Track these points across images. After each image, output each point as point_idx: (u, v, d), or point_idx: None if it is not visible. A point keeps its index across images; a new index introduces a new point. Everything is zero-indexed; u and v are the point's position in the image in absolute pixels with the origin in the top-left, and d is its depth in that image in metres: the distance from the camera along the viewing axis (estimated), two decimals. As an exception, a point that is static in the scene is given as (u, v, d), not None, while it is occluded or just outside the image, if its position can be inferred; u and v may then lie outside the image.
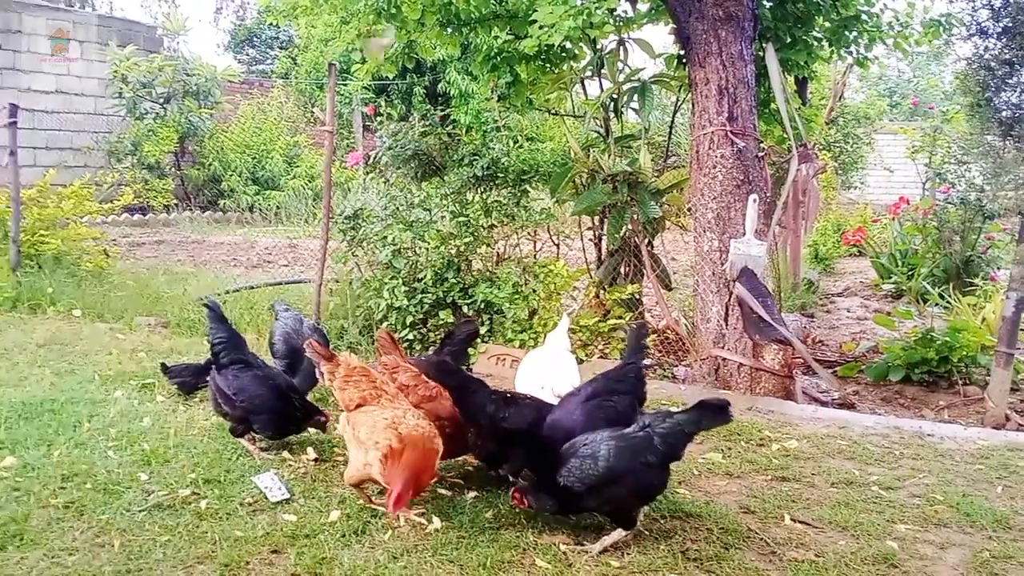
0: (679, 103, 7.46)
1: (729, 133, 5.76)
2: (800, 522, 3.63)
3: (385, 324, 6.45)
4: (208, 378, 4.59)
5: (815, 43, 6.94)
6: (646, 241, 6.76)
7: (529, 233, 7.13)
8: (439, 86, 20.53)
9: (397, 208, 6.88)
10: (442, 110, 19.19)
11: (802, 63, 6.90)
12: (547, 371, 4.45)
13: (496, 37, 7.25)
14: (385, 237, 6.60)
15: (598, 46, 6.99)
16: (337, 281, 7.26)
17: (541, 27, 5.45)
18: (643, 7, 7.01)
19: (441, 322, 6.41)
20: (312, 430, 4.43)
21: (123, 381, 5.47)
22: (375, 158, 7.51)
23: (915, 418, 5.53)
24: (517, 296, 6.43)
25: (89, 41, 17.99)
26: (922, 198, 12.38)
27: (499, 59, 7.23)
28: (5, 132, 9.06)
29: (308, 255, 12.31)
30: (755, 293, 5.40)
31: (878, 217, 13.90)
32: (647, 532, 3.48)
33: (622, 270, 6.96)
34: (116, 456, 4.15)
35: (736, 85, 5.80)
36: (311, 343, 3.97)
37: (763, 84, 6.52)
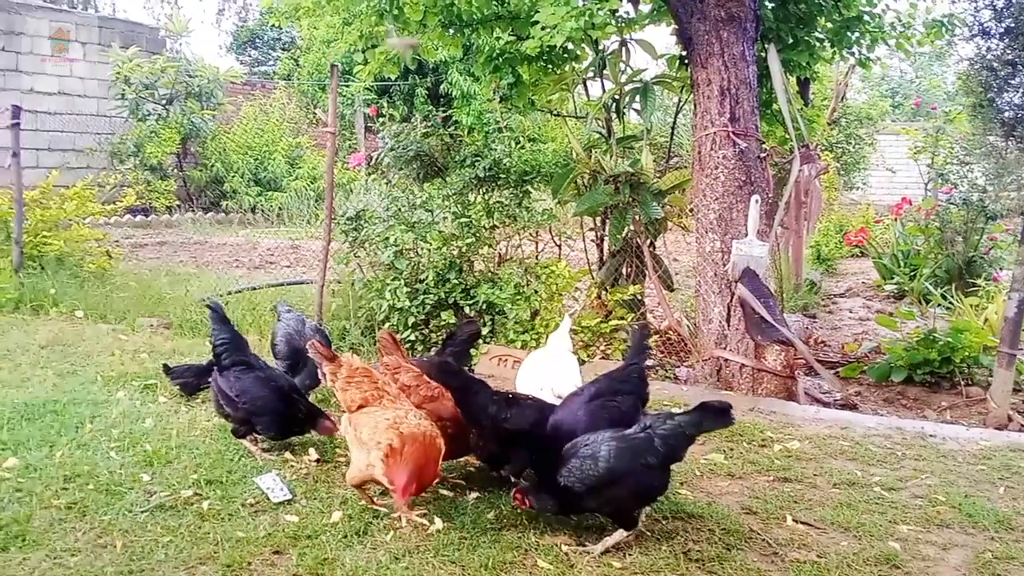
0: (681, 104, 7.46)
1: (731, 134, 5.76)
2: (802, 523, 3.63)
3: (387, 325, 6.46)
4: (210, 379, 4.59)
5: (817, 44, 6.94)
6: (648, 242, 6.76)
7: (531, 234, 7.13)
8: (441, 87, 20.56)
9: (399, 209, 6.88)
10: (444, 111, 19.21)
11: (804, 64, 6.90)
12: (548, 372, 4.45)
13: (498, 38, 7.25)
14: (387, 238, 6.60)
15: (600, 47, 6.99)
16: (339, 282, 7.27)
17: (543, 28, 5.45)
18: (645, 8, 7.01)
19: (443, 323, 6.41)
20: (314, 431, 4.43)
21: (125, 382, 5.47)
22: (377, 159, 7.51)
23: (917, 419, 5.52)
24: (519, 297, 6.43)
25: (91, 43, 18.02)
26: (924, 199, 12.37)
27: (501, 60, 7.24)
28: (8, 133, 9.07)
29: (310, 256, 12.31)
30: (757, 294, 5.39)
31: (880, 218, 13.91)
32: (649, 533, 3.48)
33: (624, 271, 6.96)
34: (118, 457, 4.15)
35: (738, 86, 5.80)
36: (314, 344, 3.97)
37: (765, 85, 6.52)
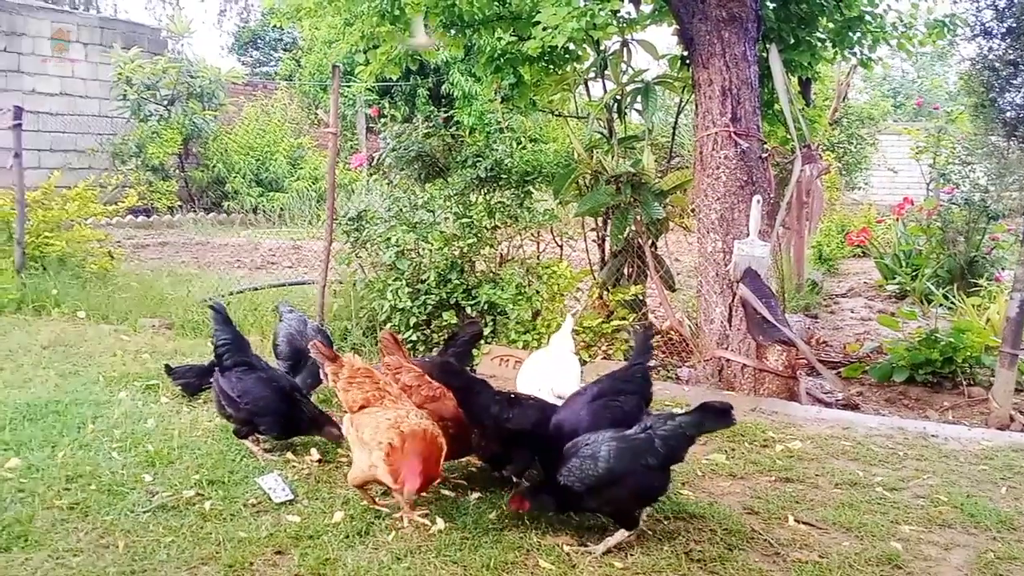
0: (682, 104, 7.46)
1: (733, 134, 5.76)
2: (804, 523, 3.63)
3: (389, 325, 6.46)
4: (212, 379, 4.60)
5: (819, 44, 6.93)
6: (649, 242, 6.76)
7: (532, 234, 7.13)
8: (443, 88, 20.56)
9: (401, 209, 6.89)
10: (446, 112, 19.20)
11: (806, 64, 6.89)
12: (548, 372, 4.45)
13: (499, 39, 7.25)
14: (389, 238, 6.60)
15: (601, 47, 6.99)
16: (341, 282, 7.27)
17: (544, 28, 5.45)
18: (646, 8, 7.01)
19: (445, 323, 6.42)
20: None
21: (127, 382, 5.48)
22: (379, 160, 7.52)
23: (919, 419, 5.52)
24: (520, 297, 6.43)
25: (93, 43, 18.03)
26: (926, 199, 12.37)
27: (503, 60, 7.24)
28: (9, 134, 9.08)
29: (312, 256, 12.32)
30: (759, 294, 5.39)
31: (882, 218, 13.90)
32: (651, 533, 3.48)
33: (625, 271, 6.96)
34: (120, 457, 4.16)
35: (740, 86, 5.80)
36: (315, 344, 3.98)
37: (767, 85, 6.51)
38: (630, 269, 6.92)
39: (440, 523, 3.49)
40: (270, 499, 3.73)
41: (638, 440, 3.32)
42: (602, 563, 3.23)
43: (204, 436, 4.53)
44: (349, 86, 18.91)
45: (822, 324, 8.58)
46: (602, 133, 7.28)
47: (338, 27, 7.43)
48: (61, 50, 17.33)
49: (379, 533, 3.44)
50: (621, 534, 3.34)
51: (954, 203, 10.72)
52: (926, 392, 6.13)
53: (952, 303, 8.11)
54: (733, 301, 5.73)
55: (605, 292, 6.81)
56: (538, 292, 6.54)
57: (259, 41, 33.64)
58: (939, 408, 5.85)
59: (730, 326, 5.79)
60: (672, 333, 6.70)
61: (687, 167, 6.84)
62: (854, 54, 7.13)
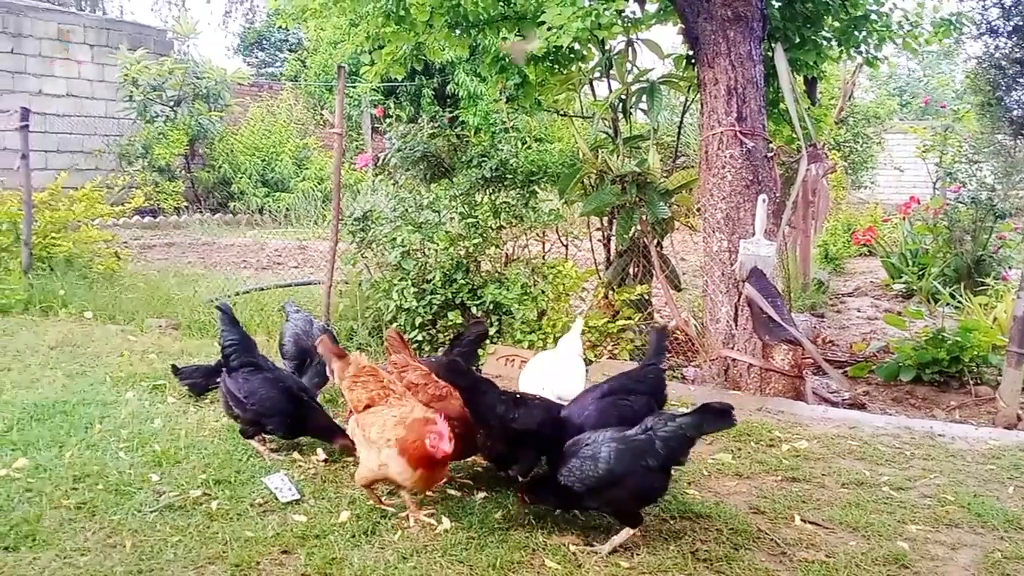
0: (688, 103, 7.45)
1: (738, 133, 5.75)
2: (810, 523, 3.63)
3: (394, 325, 6.46)
4: (219, 380, 4.61)
5: (824, 43, 6.92)
6: (655, 242, 6.75)
7: (538, 234, 7.13)
8: (448, 88, 20.56)
9: (406, 210, 6.89)
10: (451, 112, 19.21)
11: (811, 63, 6.88)
12: (552, 373, 4.45)
13: (504, 38, 7.26)
14: (394, 239, 6.61)
15: (606, 47, 6.98)
16: (347, 282, 7.29)
17: (549, 28, 5.45)
18: (651, 8, 7.00)
19: (450, 323, 6.42)
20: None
21: (134, 383, 5.50)
22: (384, 160, 7.53)
23: (926, 418, 5.50)
24: (526, 297, 6.44)
25: (99, 45, 18.08)
26: (933, 197, 12.31)
27: (507, 60, 7.24)
28: (17, 135, 9.12)
29: (318, 257, 12.34)
30: (765, 293, 5.38)
31: (888, 217, 13.84)
32: (657, 532, 3.48)
33: (631, 271, 6.95)
34: (127, 457, 4.17)
35: (745, 85, 5.79)
36: (323, 340, 4.01)
37: (772, 84, 6.50)
38: (635, 269, 6.91)
39: (446, 523, 3.50)
40: (276, 499, 3.74)
41: (638, 441, 3.32)
42: (608, 562, 3.24)
43: (211, 436, 4.55)
44: (354, 86, 18.94)
45: (828, 323, 8.56)
46: (607, 133, 7.27)
47: (343, 28, 7.45)
48: (62, 50, 17.28)
49: (385, 532, 3.45)
50: (626, 533, 3.34)
51: (961, 202, 10.66)
52: (933, 391, 6.11)
53: (959, 302, 8.08)
54: (739, 300, 5.72)
55: (610, 292, 6.81)
56: (543, 292, 6.54)
57: (264, 42, 33.74)
58: (946, 407, 5.84)
59: (736, 325, 5.79)
60: (678, 332, 6.69)
61: (692, 166, 6.84)
62: (860, 53, 7.12)
